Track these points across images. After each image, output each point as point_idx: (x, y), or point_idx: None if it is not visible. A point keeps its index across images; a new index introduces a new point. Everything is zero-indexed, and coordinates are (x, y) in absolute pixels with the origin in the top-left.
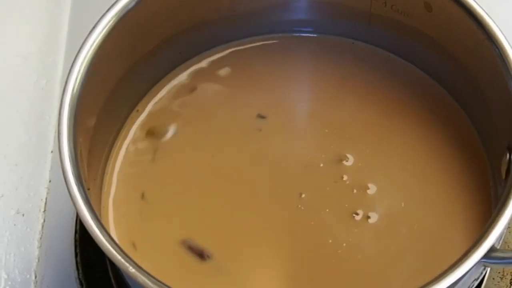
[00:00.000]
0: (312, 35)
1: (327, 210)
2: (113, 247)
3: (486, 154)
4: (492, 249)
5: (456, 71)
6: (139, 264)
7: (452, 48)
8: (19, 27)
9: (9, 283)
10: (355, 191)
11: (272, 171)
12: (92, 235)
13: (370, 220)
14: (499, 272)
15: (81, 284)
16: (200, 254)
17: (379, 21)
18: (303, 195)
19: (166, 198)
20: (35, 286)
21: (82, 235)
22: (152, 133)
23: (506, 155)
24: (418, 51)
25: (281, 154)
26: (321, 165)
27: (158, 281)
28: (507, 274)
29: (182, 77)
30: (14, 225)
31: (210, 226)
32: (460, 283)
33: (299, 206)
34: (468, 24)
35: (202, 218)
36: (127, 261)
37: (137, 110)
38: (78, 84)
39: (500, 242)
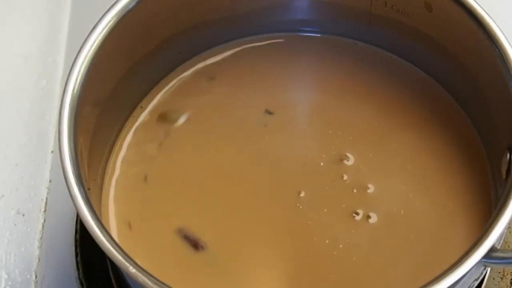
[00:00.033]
0: (312, 35)
1: (325, 210)
2: (113, 247)
3: (486, 154)
4: (492, 249)
5: (456, 71)
6: (132, 244)
7: (452, 48)
8: (19, 27)
9: (10, 283)
10: (355, 190)
11: (272, 170)
12: (92, 235)
13: (370, 220)
14: (499, 272)
15: (81, 284)
16: (195, 244)
17: (379, 21)
18: (302, 194)
19: (168, 185)
20: (36, 286)
21: (83, 235)
22: (164, 118)
23: (506, 155)
24: (419, 51)
25: (282, 152)
26: (322, 164)
27: (159, 281)
28: (507, 274)
29: (182, 78)
30: (15, 225)
31: (207, 217)
32: (461, 283)
33: (298, 204)
34: (469, 24)
35: (200, 209)
36: (127, 261)
37: (141, 107)
38: (79, 84)
39: (501, 242)
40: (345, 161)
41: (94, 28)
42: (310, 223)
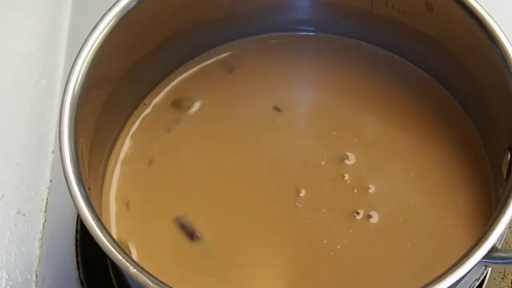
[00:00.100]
0: (313, 34)
1: (324, 210)
2: (114, 247)
3: (487, 154)
4: (493, 249)
5: (457, 71)
6: (127, 224)
7: (453, 48)
8: (19, 27)
9: (10, 283)
10: (355, 190)
11: (274, 167)
12: (93, 235)
13: (371, 220)
14: (500, 272)
15: (82, 284)
16: (191, 234)
17: (380, 21)
18: (302, 193)
19: (172, 172)
20: (36, 286)
21: (83, 235)
22: (178, 104)
23: (507, 155)
24: (419, 51)
25: (284, 150)
26: (323, 163)
27: (159, 281)
28: (508, 274)
29: (182, 78)
30: (15, 225)
31: (206, 209)
32: (461, 283)
33: (297, 203)
34: (469, 24)
35: (200, 200)
36: (128, 261)
37: (145, 104)
38: (79, 84)
39: (501, 242)
40: (346, 161)
41: (94, 28)
42: (309, 222)
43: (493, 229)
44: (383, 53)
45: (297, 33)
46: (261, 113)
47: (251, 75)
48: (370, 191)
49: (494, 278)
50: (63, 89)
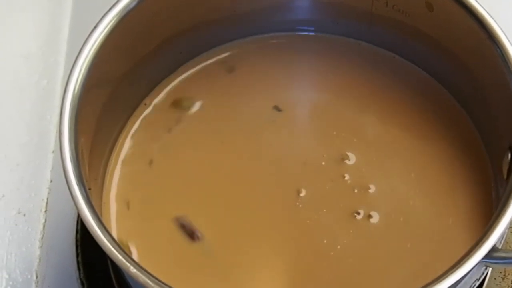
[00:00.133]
0: (313, 34)
1: (325, 210)
2: (114, 247)
3: (488, 154)
4: (493, 249)
5: (457, 71)
6: (127, 224)
7: (454, 48)
8: (20, 27)
9: (10, 283)
10: (356, 190)
11: (275, 167)
12: (93, 235)
13: (371, 220)
14: (500, 272)
15: (82, 284)
16: (191, 234)
17: (380, 21)
18: (303, 193)
19: (172, 172)
20: (36, 286)
21: (83, 235)
22: (178, 104)
23: (508, 155)
24: (420, 51)
25: (285, 150)
26: (323, 163)
27: (159, 281)
28: (508, 274)
29: (182, 78)
30: (15, 225)
31: (206, 209)
32: (462, 283)
33: (297, 203)
34: (469, 24)
35: (200, 200)
36: (128, 261)
37: (145, 104)
38: (79, 84)
39: (502, 242)
40: (346, 161)
41: (95, 27)
42: (309, 222)
43: (494, 229)
44: (384, 53)
45: (297, 33)
46: (261, 113)
47: (251, 75)
48: (370, 191)
49: (495, 278)
50: (64, 89)
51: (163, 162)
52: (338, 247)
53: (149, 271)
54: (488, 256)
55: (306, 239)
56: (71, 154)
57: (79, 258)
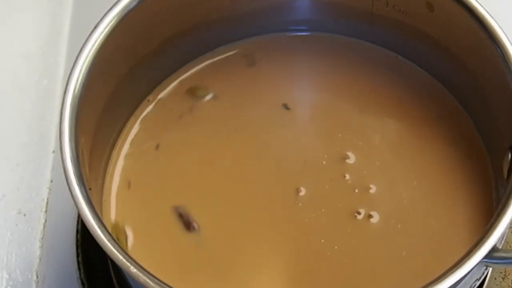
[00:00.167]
0: (314, 34)
1: (323, 209)
2: (114, 247)
3: (488, 154)
4: (494, 249)
5: (458, 71)
6: (126, 203)
7: (454, 48)
8: (20, 27)
9: (11, 283)
10: (356, 190)
11: (275, 167)
12: (93, 235)
13: (372, 220)
14: (501, 272)
15: (82, 284)
16: (187, 224)
17: (381, 21)
18: (302, 192)
19: (176, 159)
20: (37, 286)
21: (84, 235)
22: (193, 92)
23: (508, 155)
24: (420, 51)
25: (285, 150)
26: (324, 162)
27: (160, 281)
28: (509, 274)
29: (182, 79)
30: (16, 225)
31: (206, 201)
32: (462, 283)
33: (297, 202)
34: (470, 24)
35: (201, 192)
36: (128, 261)
37: (148, 100)
38: (80, 84)
39: (502, 242)
40: (347, 161)
41: (95, 27)
42: (308, 221)
43: (494, 229)
44: (384, 53)
45: (297, 33)
46: (270, 110)
47: (252, 75)
48: (371, 191)
49: (495, 278)
50: (64, 89)
51: (170, 148)
52: (338, 247)
53: (142, 256)
54: (488, 256)
55: (306, 238)
56: (71, 154)
57: (80, 258)
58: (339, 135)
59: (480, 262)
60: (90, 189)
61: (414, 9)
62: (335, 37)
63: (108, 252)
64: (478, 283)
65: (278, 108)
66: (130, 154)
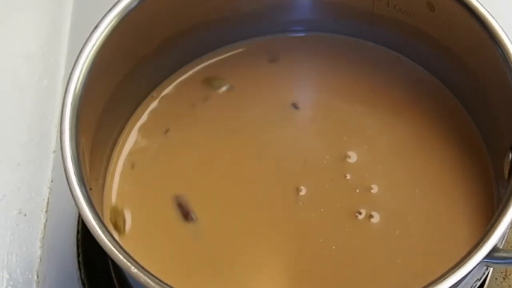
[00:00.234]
0: (314, 34)
1: (323, 209)
2: (115, 247)
3: (489, 154)
4: (494, 249)
5: (459, 71)
6: (128, 183)
7: (455, 48)
8: (20, 27)
9: (11, 283)
10: (357, 190)
11: (276, 167)
12: (94, 235)
13: (372, 220)
14: (501, 272)
15: (83, 284)
16: (186, 214)
17: (382, 21)
18: (302, 192)
19: (182, 147)
20: (37, 286)
21: (84, 235)
22: (210, 82)
23: (509, 155)
24: (421, 51)
25: (286, 150)
26: (324, 162)
27: (160, 281)
28: (509, 274)
29: (183, 79)
30: (16, 225)
31: (206, 193)
32: (463, 283)
33: (297, 201)
34: (471, 24)
35: (202, 184)
36: (129, 261)
37: (152, 96)
38: (80, 84)
39: (503, 242)
40: (348, 160)
41: (96, 27)
42: (308, 220)
43: (495, 229)
44: (385, 53)
45: (298, 34)
46: (271, 110)
47: (253, 75)
48: (372, 191)
49: (496, 278)
50: (64, 88)
51: (179, 135)
52: (338, 247)
53: (139, 244)
54: (489, 256)
55: (306, 238)
56: (72, 154)
57: (80, 258)
58: (340, 134)
59: (480, 262)
60: (90, 189)
61: (415, 9)
62: (335, 37)
63: (109, 252)
64: (478, 283)
65: (281, 107)
66: (138, 136)
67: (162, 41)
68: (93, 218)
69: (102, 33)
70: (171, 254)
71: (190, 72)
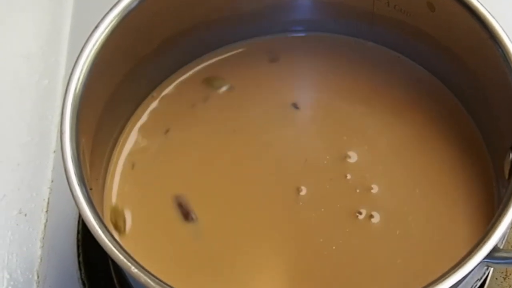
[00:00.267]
0: (314, 34)
1: (323, 209)
2: (115, 247)
3: (489, 154)
4: (495, 249)
5: (459, 71)
6: (126, 187)
7: (455, 48)
8: (20, 27)
9: (12, 283)
10: (358, 190)
11: (276, 167)
12: (94, 235)
13: (373, 220)
14: (502, 272)
15: (83, 284)
16: (186, 214)
17: (382, 21)
18: (302, 191)
19: (182, 147)
20: (38, 286)
21: (85, 235)
22: (210, 82)
23: (509, 155)
24: (422, 50)
25: (286, 150)
26: (325, 162)
27: (161, 281)
28: (510, 274)
29: (183, 79)
30: (17, 225)
31: (206, 193)
32: (463, 283)
33: (297, 201)
34: (471, 24)
35: (202, 184)
36: (129, 261)
37: (153, 96)
38: (81, 84)
39: (503, 242)
40: (348, 160)
41: (96, 27)
42: (308, 220)
43: (495, 229)
44: (385, 53)
45: (299, 34)
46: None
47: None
48: (373, 191)
49: (496, 278)
50: (65, 88)
51: (179, 135)
52: (338, 247)
53: (140, 243)
54: (489, 256)
55: (306, 238)
56: (72, 154)
57: (80, 258)
58: (340, 134)
59: (481, 262)
60: (91, 189)
61: (415, 9)
62: (335, 37)
63: (109, 252)
64: (479, 283)
65: (281, 107)
66: (138, 136)
67: (162, 41)
68: (94, 218)
69: (102, 33)
70: (171, 254)
71: (191, 72)
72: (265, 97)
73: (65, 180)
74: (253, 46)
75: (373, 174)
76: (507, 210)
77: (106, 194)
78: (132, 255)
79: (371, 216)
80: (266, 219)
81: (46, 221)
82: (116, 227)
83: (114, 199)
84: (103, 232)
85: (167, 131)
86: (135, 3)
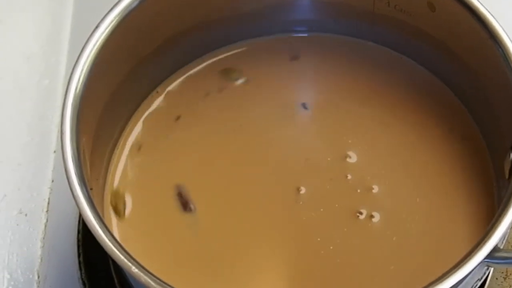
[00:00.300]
0: (314, 35)
1: (323, 209)
2: (116, 247)
3: (490, 154)
4: (495, 249)
5: (459, 71)
6: (130, 170)
7: (456, 48)
8: (21, 27)
9: (12, 283)
10: (358, 190)
11: (277, 166)
12: (94, 235)
13: (373, 220)
14: (502, 272)
15: (84, 284)
16: (185, 204)
17: (382, 21)
18: (303, 191)
19: (192, 136)
20: (38, 286)
21: (85, 235)
22: (227, 73)
23: (510, 155)
24: (422, 50)
25: (286, 149)
26: (325, 162)
27: (161, 281)
28: (510, 274)
29: (184, 79)
30: (17, 225)
31: (207, 185)
32: (463, 283)
33: (298, 201)
34: (471, 24)
35: (204, 175)
36: (129, 261)
37: (157, 92)
38: (81, 84)
39: (503, 242)
40: (348, 160)
41: (96, 27)
42: (308, 220)
43: (495, 229)
44: (386, 53)
45: (299, 34)
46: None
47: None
48: (373, 191)
49: (496, 278)
50: (65, 88)
51: (189, 123)
52: (338, 247)
53: (138, 231)
54: (490, 256)
55: (306, 238)
56: (72, 154)
57: (81, 258)
58: (340, 134)
59: (481, 262)
60: (91, 189)
61: (416, 9)
62: (335, 37)
63: (110, 252)
64: (479, 283)
65: (281, 107)
66: (148, 120)
67: (163, 41)
68: (94, 218)
69: (103, 33)
70: (168, 243)
71: (190, 73)
72: (265, 97)
73: (66, 180)
74: (253, 46)
75: (373, 174)
76: (507, 210)
77: (109, 179)
78: (129, 240)
79: (372, 216)
80: (266, 219)
81: (47, 221)
82: (116, 210)
83: (116, 183)
84: (103, 232)
85: (178, 118)
86: (136, 3)
